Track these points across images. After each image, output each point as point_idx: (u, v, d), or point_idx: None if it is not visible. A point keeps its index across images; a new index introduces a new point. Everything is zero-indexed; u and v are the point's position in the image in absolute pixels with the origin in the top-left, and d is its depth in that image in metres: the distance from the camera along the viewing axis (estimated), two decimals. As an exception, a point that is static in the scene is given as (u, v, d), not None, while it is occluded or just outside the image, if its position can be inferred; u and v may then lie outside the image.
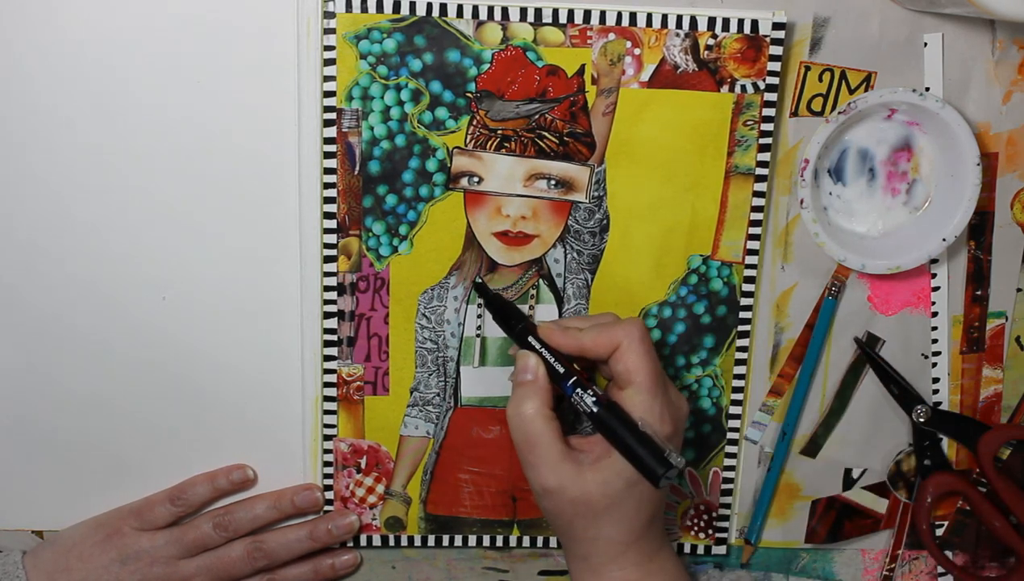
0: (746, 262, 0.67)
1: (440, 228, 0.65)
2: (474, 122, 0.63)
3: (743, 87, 0.64)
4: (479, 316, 0.67)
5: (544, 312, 0.67)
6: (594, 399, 0.56)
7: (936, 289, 0.70)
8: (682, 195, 0.65)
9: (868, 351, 0.70)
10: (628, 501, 0.56)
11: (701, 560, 0.74)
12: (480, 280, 0.65)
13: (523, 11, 0.62)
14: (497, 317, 0.63)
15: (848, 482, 0.73)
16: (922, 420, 0.71)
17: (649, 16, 0.62)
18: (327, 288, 0.65)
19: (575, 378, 0.57)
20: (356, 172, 0.64)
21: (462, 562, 0.72)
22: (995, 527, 0.72)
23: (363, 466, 0.69)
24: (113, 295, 0.65)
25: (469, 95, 0.63)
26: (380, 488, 0.69)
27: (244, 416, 0.68)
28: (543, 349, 0.58)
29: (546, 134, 0.64)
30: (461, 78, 0.63)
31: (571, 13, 0.62)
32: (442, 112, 0.63)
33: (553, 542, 0.72)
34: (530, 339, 0.58)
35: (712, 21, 0.62)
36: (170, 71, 0.62)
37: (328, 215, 0.64)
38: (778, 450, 0.71)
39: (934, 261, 0.69)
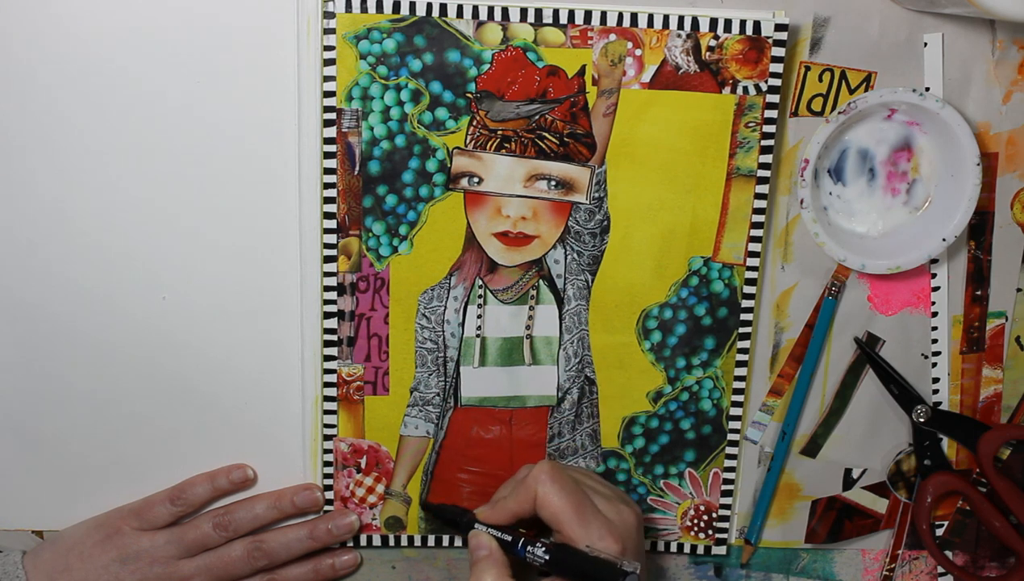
0: (747, 264, 0.67)
1: (440, 228, 0.65)
2: (474, 122, 0.63)
3: (745, 88, 0.64)
4: (479, 316, 0.67)
5: (544, 312, 0.67)
6: (543, 549, 0.59)
7: (936, 289, 0.70)
8: (683, 197, 0.65)
9: (868, 351, 0.70)
10: None
11: (701, 560, 0.74)
12: (422, 499, 0.70)
13: (523, 11, 0.62)
14: (444, 522, 0.68)
15: (848, 482, 0.73)
16: (922, 420, 0.71)
17: (650, 17, 0.62)
18: (327, 288, 0.65)
19: (522, 540, 0.61)
20: (356, 172, 0.64)
21: (462, 562, 0.72)
22: (995, 527, 0.72)
23: (363, 466, 0.69)
24: (113, 295, 0.65)
25: (469, 95, 0.63)
26: (380, 488, 0.69)
27: (244, 416, 0.68)
28: (488, 528, 0.62)
29: (546, 135, 0.64)
30: (461, 78, 0.62)
31: (572, 13, 0.62)
32: (442, 112, 0.63)
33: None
34: (476, 526, 0.63)
35: (714, 22, 0.62)
36: (170, 71, 0.62)
37: (328, 215, 0.64)
38: (778, 450, 0.71)
39: (934, 261, 0.69)
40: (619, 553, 0.59)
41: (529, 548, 0.60)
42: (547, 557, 0.59)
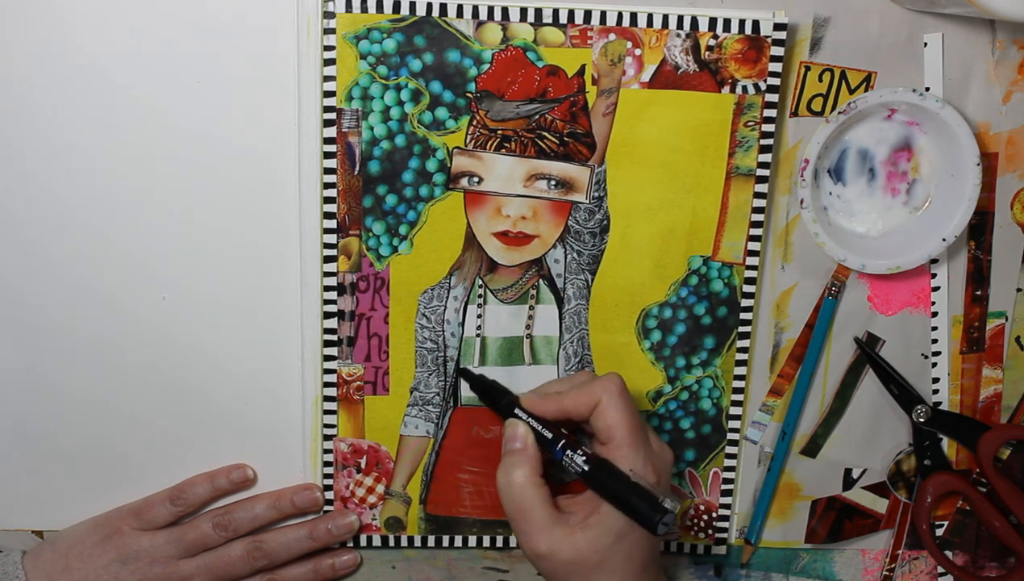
0: (747, 263, 0.67)
1: (440, 228, 0.65)
2: (474, 122, 0.63)
3: (744, 88, 0.64)
4: (479, 316, 0.67)
5: (544, 312, 0.67)
6: (584, 458, 0.57)
7: (936, 289, 0.70)
8: (683, 196, 0.65)
9: (868, 351, 0.70)
10: (618, 554, 0.57)
11: (701, 560, 0.74)
12: (465, 367, 0.67)
13: (523, 11, 0.62)
14: (483, 397, 0.65)
15: (848, 482, 0.73)
16: (922, 420, 0.71)
17: (650, 16, 0.62)
18: (327, 288, 0.65)
19: (563, 441, 0.58)
20: (356, 172, 0.64)
21: (462, 562, 0.72)
22: (995, 527, 0.72)
23: (363, 466, 0.69)
24: (113, 295, 0.65)
25: (469, 95, 0.63)
26: (380, 488, 0.69)
27: (244, 416, 0.68)
28: (530, 418, 0.59)
29: (546, 134, 0.64)
30: (461, 78, 0.63)
31: (571, 13, 0.62)
32: (442, 112, 0.63)
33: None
34: (516, 411, 0.60)
35: (713, 22, 0.62)
36: (170, 71, 0.62)
37: (328, 215, 0.64)
38: (778, 450, 0.71)
39: (934, 261, 0.70)
40: (655, 487, 0.57)
41: (568, 452, 0.57)
42: (587, 468, 0.57)
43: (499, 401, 0.62)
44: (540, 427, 0.59)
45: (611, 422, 0.58)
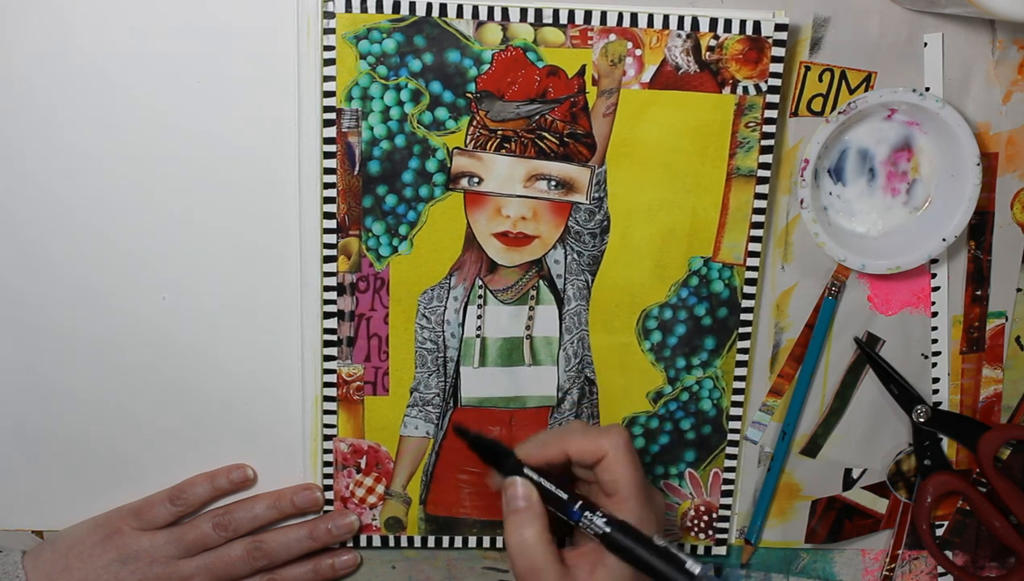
0: (747, 264, 0.67)
1: (440, 228, 0.65)
2: (474, 122, 0.63)
3: (745, 89, 0.64)
4: (479, 317, 0.67)
5: (544, 313, 0.67)
6: (604, 520, 0.56)
7: (936, 289, 0.70)
8: (683, 197, 0.65)
9: (868, 351, 0.70)
10: None
11: (701, 560, 0.74)
12: (460, 426, 0.63)
13: (523, 11, 0.62)
14: (485, 456, 0.61)
15: (848, 482, 0.73)
16: (922, 420, 0.71)
17: (650, 17, 0.62)
18: (327, 288, 0.65)
19: (580, 502, 0.57)
20: (356, 172, 0.64)
21: (462, 562, 0.72)
22: (995, 527, 0.72)
23: (363, 466, 0.69)
24: (113, 295, 0.65)
25: (469, 95, 0.63)
26: (380, 488, 0.69)
27: (244, 416, 0.68)
28: (541, 479, 0.58)
29: (546, 135, 0.64)
30: (461, 78, 0.62)
31: (571, 13, 0.62)
32: (442, 112, 0.63)
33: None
34: (526, 471, 0.58)
35: (713, 22, 0.62)
36: (170, 71, 0.62)
37: (328, 215, 0.64)
38: (778, 450, 0.71)
39: (934, 261, 0.70)
40: (678, 548, 0.57)
41: (587, 514, 0.56)
42: (607, 530, 0.56)
43: (504, 462, 0.59)
44: (554, 488, 0.58)
45: (618, 476, 0.58)
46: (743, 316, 0.68)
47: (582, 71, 0.63)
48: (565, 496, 0.58)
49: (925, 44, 0.66)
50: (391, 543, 0.71)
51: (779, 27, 0.63)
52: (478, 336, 0.67)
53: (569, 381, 0.68)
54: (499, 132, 0.64)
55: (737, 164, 0.65)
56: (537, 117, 0.63)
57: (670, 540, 0.71)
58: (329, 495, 0.69)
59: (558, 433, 0.60)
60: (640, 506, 0.58)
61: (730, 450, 0.71)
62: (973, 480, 0.73)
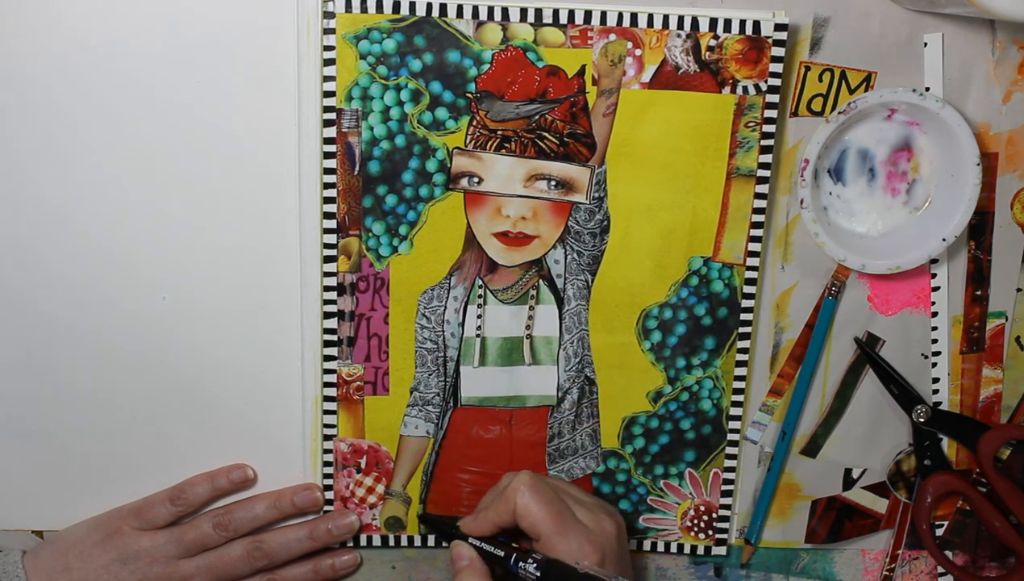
0: (747, 264, 0.67)
1: (440, 228, 0.65)
2: (474, 122, 0.63)
3: (745, 89, 0.64)
4: (479, 316, 0.67)
5: (544, 312, 0.67)
6: (534, 565, 0.59)
7: (936, 289, 0.70)
8: (683, 197, 0.65)
9: (868, 351, 0.70)
10: None
11: (701, 560, 0.74)
12: (420, 510, 0.70)
13: (523, 11, 0.62)
14: (437, 534, 0.70)
15: (848, 482, 0.73)
16: (922, 420, 0.71)
17: (650, 17, 0.62)
18: (327, 288, 0.65)
19: (514, 555, 0.61)
20: (356, 172, 0.64)
21: (462, 562, 0.72)
22: (995, 527, 0.72)
23: (363, 466, 0.69)
24: (113, 295, 0.65)
25: (469, 95, 0.63)
26: (380, 488, 0.69)
27: (244, 416, 0.68)
28: (481, 543, 0.63)
29: (546, 135, 0.64)
30: (461, 78, 0.62)
31: (571, 13, 0.62)
32: (442, 112, 0.63)
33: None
34: (470, 540, 0.63)
35: (713, 22, 0.62)
36: (170, 71, 0.62)
37: (328, 215, 0.64)
38: (778, 450, 0.71)
39: (934, 261, 0.69)
40: (599, 562, 0.59)
41: (521, 564, 0.60)
42: (538, 574, 0.59)
43: (448, 533, 0.65)
44: (492, 548, 0.62)
45: (532, 519, 0.60)
46: (743, 316, 0.68)
47: (582, 71, 0.63)
48: (502, 553, 0.61)
49: (925, 44, 0.66)
50: (391, 543, 0.71)
51: (779, 27, 0.63)
52: (478, 336, 0.67)
53: (569, 381, 0.68)
54: (499, 132, 0.64)
55: (737, 164, 0.65)
56: (537, 117, 0.63)
57: (670, 538, 0.71)
58: (329, 495, 0.69)
59: (484, 503, 0.65)
60: (564, 538, 0.59)
61: (730, 450, 0.71)
62: (973, 480, 0.73)
